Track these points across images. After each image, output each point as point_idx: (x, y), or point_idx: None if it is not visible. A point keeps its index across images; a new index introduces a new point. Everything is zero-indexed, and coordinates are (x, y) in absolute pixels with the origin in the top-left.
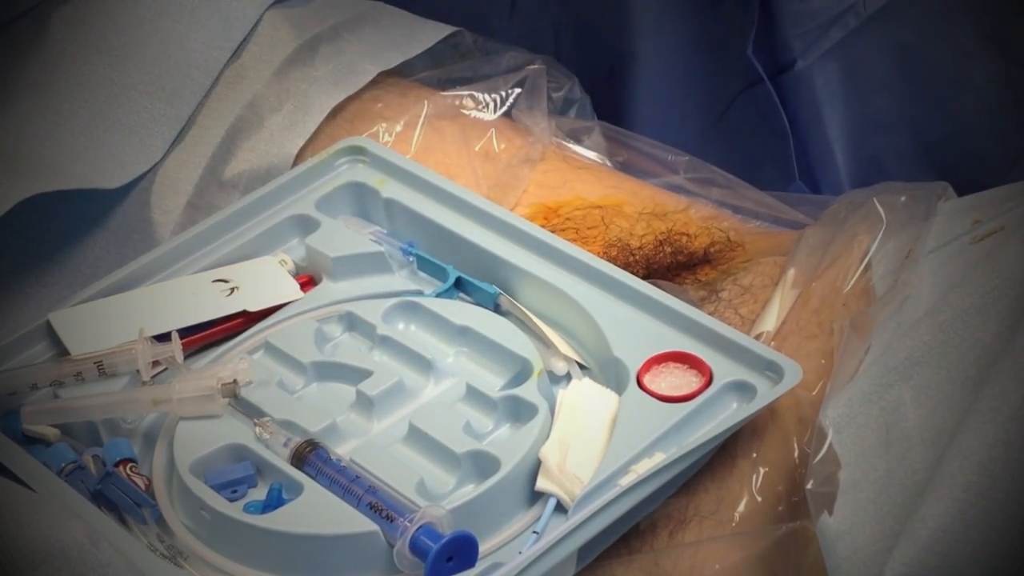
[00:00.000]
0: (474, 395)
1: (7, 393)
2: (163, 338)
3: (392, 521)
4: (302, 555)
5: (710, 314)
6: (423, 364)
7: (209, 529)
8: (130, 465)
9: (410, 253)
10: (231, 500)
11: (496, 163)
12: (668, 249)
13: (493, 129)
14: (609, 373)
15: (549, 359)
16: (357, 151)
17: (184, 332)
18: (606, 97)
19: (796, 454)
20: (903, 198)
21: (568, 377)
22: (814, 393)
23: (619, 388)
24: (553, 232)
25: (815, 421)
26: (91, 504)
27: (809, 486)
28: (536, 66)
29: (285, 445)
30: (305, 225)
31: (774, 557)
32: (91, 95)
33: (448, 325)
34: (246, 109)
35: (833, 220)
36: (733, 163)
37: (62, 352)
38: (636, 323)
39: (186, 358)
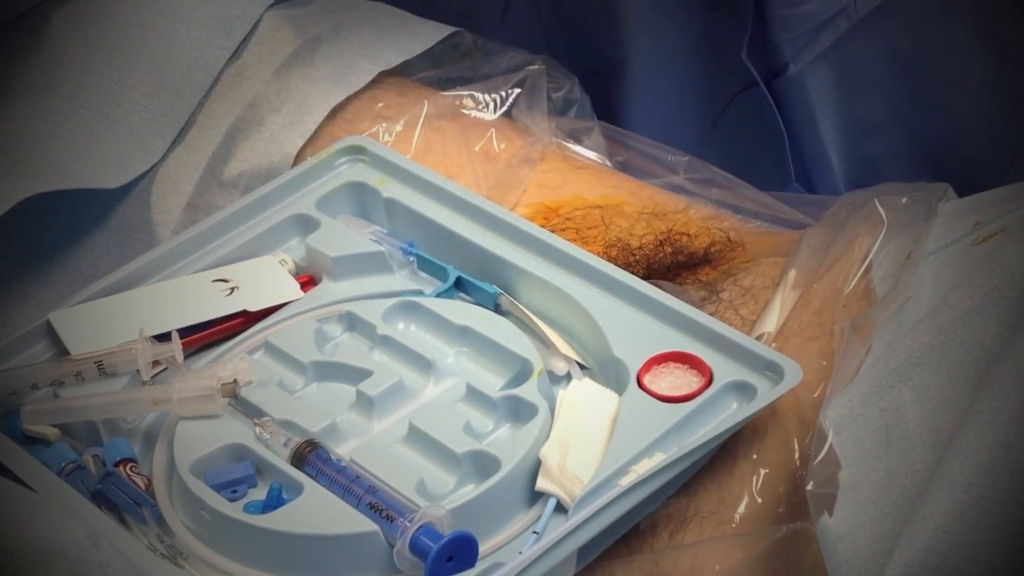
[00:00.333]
0: (474, 395)
1: (7, 393)
2: (163, 338)
3: (392, 521)
4: (302, 555)
5: (711, 315)
6: (423, 364)
7: (209, 529)
8: (130, 465)
9: (410, 253)
10: (231, 500)
11: (496, 163)
12: (668, 249)
13: (493, 129)
14: (609, 373)
15: (549, 359)
16: (357, 151)
17: (184, 332)
18: (600, 103)
19: (797, 455)
20: (904, 199)
21: (568, 377)
22: (815, 395)
23: (619, 388)
24: (553, 232)
25: (816, 422)
26: (91, 504)
27: (809, 487)
28: (536, 66)
29: (285, 445)
30: (305, 225)
31: (774, 558)
32: (91, 95)
33: (448, 325)
34: (246, 109)
35: (834, 221)
36: (730, 165)
37: (62, 352)
38: (636, 323)
39: (186, 358)
